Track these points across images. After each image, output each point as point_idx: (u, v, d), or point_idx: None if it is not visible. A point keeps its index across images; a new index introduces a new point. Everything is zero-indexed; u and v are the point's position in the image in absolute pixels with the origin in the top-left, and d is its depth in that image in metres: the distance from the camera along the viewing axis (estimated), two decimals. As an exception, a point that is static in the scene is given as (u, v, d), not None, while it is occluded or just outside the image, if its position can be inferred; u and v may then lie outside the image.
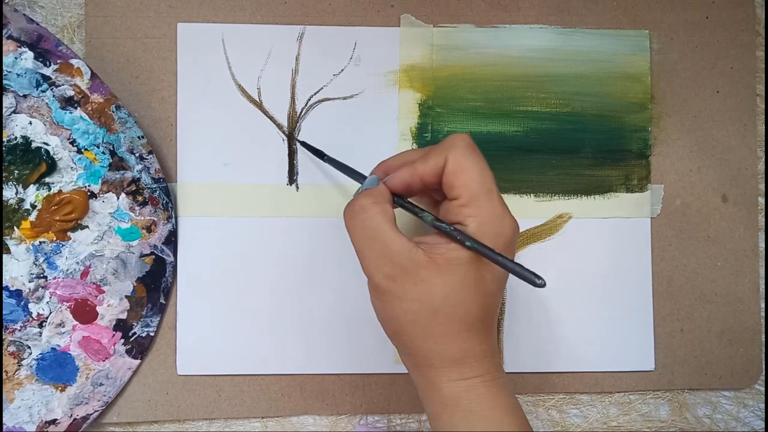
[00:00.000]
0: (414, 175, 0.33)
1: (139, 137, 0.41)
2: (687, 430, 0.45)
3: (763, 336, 0.45)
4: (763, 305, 0.45)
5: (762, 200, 0.45)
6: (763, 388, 0.45)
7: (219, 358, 0.43)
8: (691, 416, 0.45)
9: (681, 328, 0.45)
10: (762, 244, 0.45)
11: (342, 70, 0.44)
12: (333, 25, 0.44)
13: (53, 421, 0.40)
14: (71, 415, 0.41)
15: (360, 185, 0.35)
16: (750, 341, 0.45)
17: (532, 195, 0.45)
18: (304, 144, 0.42)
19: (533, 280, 0.29)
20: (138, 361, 0.42)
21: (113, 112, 0.40)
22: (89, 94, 0.40)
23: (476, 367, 0.32)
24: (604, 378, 0.44)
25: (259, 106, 0.43)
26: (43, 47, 0.39)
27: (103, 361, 0.41)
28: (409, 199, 0.34)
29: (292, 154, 0.43)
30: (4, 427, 0.40)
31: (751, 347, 0.45)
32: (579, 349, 0.44)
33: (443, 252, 0.31)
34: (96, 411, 0.41)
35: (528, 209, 0.44)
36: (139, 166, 0.41)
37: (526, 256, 0.44)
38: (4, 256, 0.40)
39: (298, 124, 0.43)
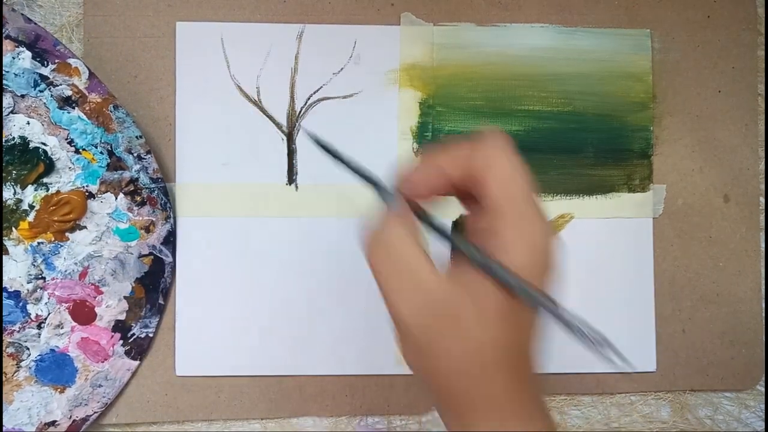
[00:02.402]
0: (439, 170, 0.27)
1: (137, 137, 0.41)
2: (688, 431, 0.45)
3: (765, 337, 0.45)
4: (764, 306, 0.45)
5: (764, 200, 0.45)
6: (764, 389, 0.45)
7: (218, 359, 0.42)
8: (692, 417, 0.45)
9: (682, 329, 0.45)
10: (764, 245, 0.45)
11: (342, 68, 0.44)
12: (332, 24, 0.43)
13: (52, 423, 0.40)
14: (70, 417, 0.41)
15: (378, 194, 0.29)
16: (752, 342, 0.45)
17: (533, 195, 0.44)
18: (315, 139, 0.33)
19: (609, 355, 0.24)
20: (137, 362, 0.42)
21: (111, 111, 0.40)
22: (87, 94, 0.39)
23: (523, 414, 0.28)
24: (606, 379, 0.44)
25: (259, 105, 0.43)
26: (40, 47, 0.38)
27: (102, 362, 0.41)
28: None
29: (291, 154, 0.43)
30: (4, 428, 0.40)
31: (753, 348, 0.45)
32: (580, 350, 0.44)
33: (488, 296, 0.26)
34: (95, 412, 0.41)
35: (529, 209, 0.44)
36: (137, 166, 0.41)
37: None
38: (3, 257, 0.40)
39: (297, 124, 0.43)
